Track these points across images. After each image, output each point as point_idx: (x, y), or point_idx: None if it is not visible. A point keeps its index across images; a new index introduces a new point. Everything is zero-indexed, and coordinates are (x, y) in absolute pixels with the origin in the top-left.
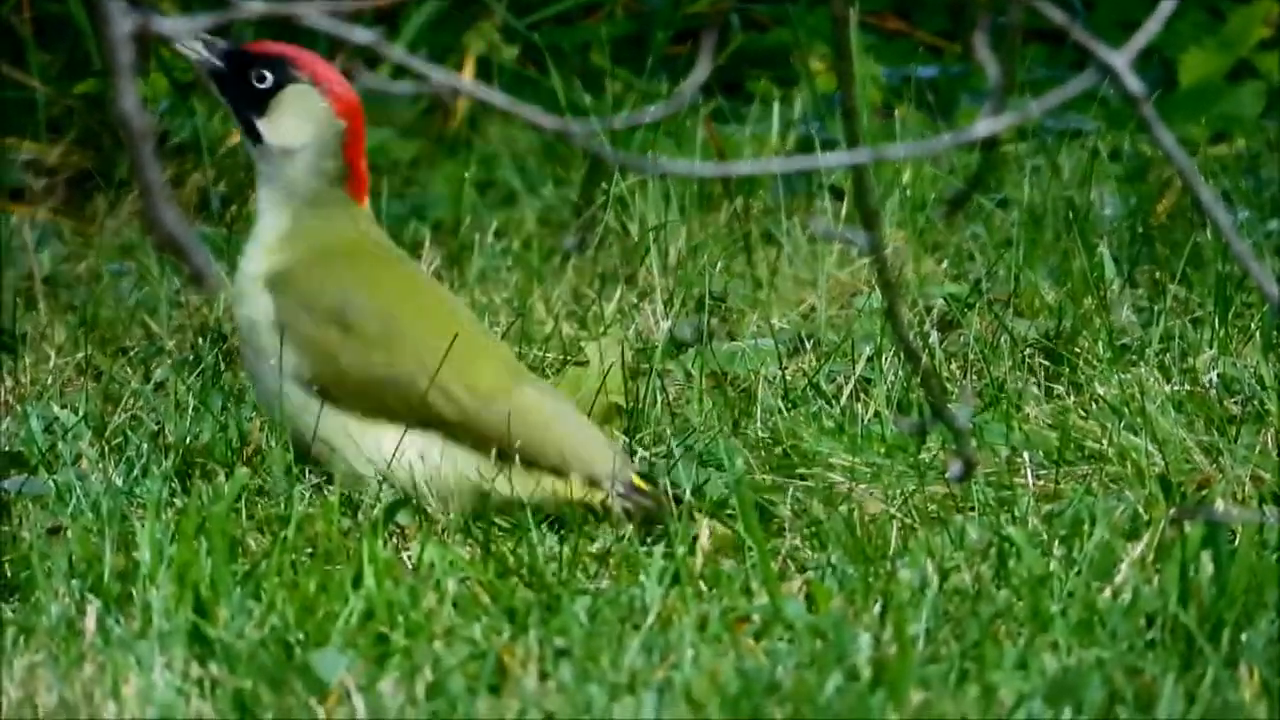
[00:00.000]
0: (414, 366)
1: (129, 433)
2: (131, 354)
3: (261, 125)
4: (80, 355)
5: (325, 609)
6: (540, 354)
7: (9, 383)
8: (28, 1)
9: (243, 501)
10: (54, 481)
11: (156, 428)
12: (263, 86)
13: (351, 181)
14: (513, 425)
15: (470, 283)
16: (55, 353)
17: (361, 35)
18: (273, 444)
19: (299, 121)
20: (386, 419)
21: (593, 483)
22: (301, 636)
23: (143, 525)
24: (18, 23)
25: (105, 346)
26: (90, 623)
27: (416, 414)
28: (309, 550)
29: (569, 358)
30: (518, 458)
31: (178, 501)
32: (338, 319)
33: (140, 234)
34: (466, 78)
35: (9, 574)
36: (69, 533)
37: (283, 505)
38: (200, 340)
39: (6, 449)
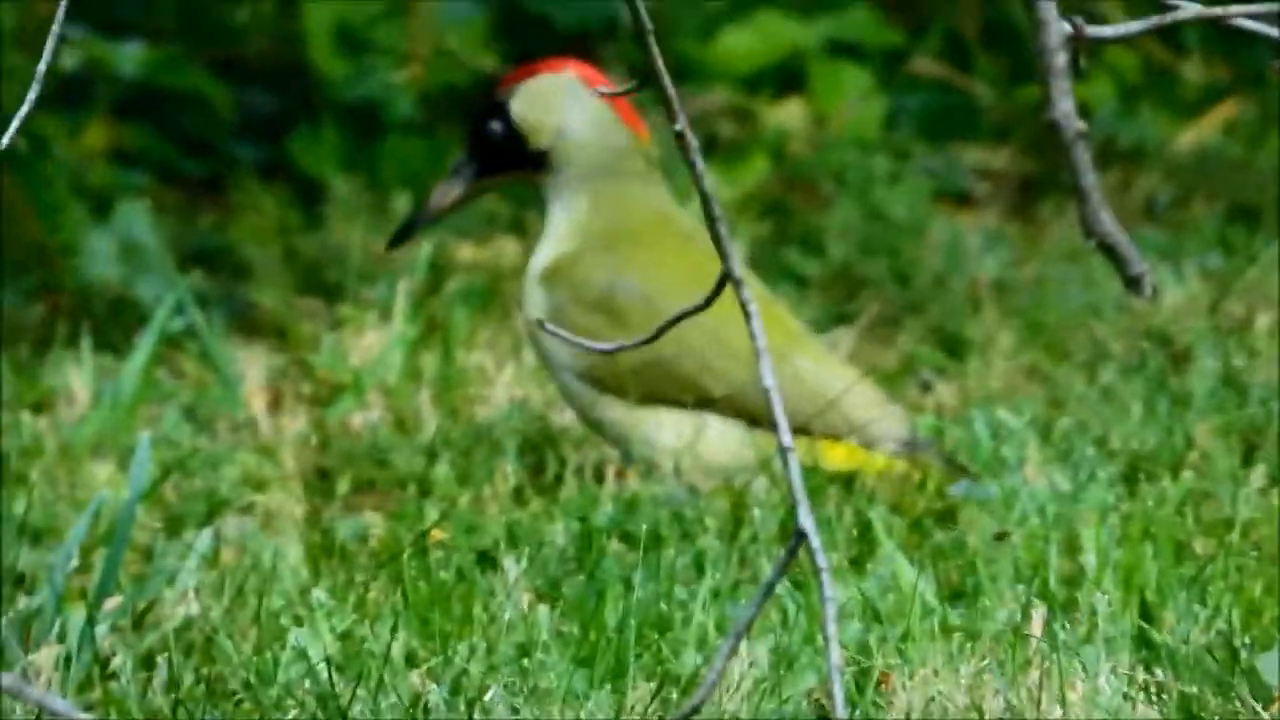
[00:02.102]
0: (675, 349)
1: (1074, 437)
2: (1076, 358)
3: (532, 149)
4: (1026, 359)
5: (1271, 612)
6: None
7: (952, 385)
8: (975, 7)
9: (1188, 505)
10: (1000, 486)
11: (1102, 432)
12: (499, 128)
13: (629, 125)
14: (785, 395)
15: None
16: (1001, 358)
17: None
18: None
19: (548, 111)
20: (662, 403)
21: (868, 444)
22: (1247, 640)
23: (1088, 530)
24: (965, 28)
25: (1051, 351)
26: (1036, 627)
27: (689, 394)
28: (1254, 552)
29: None
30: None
31: (1123, 506)
32: (605, 307)
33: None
34: None
35: (956, 580)
36: (1015, 538)
37: (1228, 508)
38: (1146, 344)
39: (948, 454)
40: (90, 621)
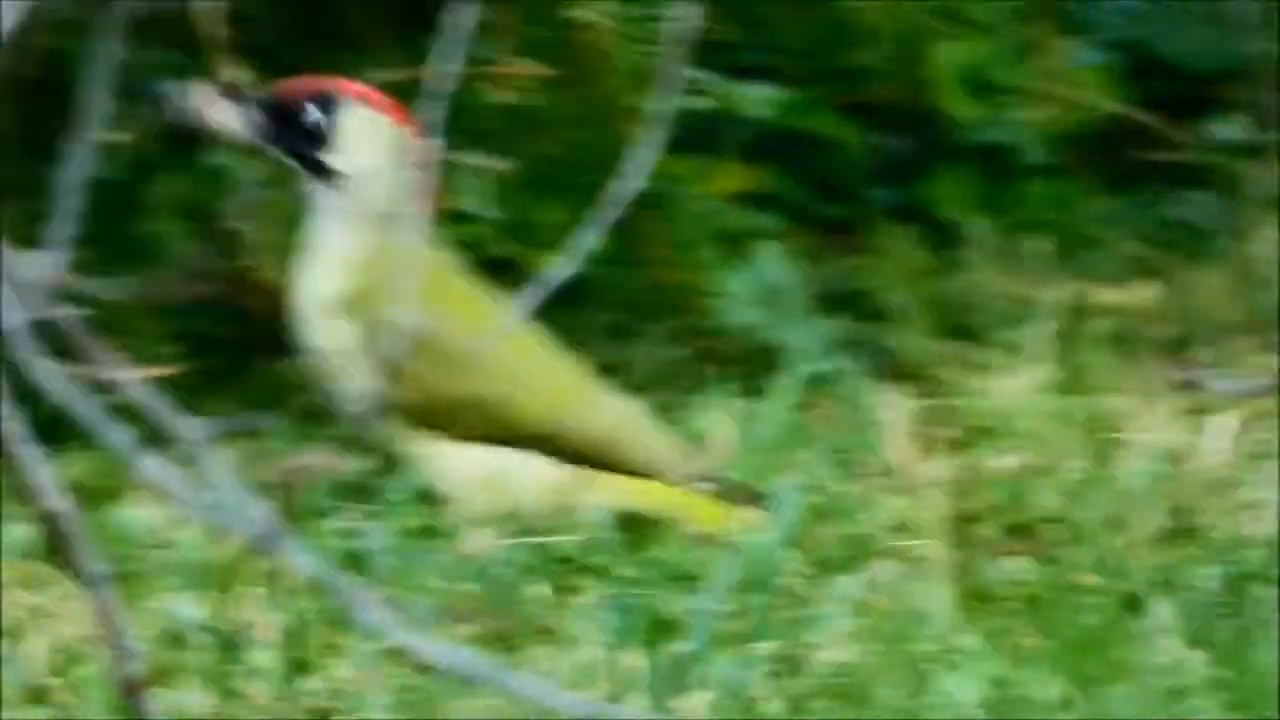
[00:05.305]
0: (501, 387)
1: None
2: None
3: (331, 158)
4: None
5: None
6: None
7: None
8: None
9: None
10: None
11: None
12: (317, 119)
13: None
14: (600, 433)
15: None
16: None
17: None
18: None
19: (367, 143)
20: (469, 439)
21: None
22: None
23: None
24: None
25: None
26: None
27: (505, 432)
28: None
29: None
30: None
31: None
32: (422, 343)
33: None
34: None
35: None
36: None
37: None
38: None
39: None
40: (741, 666)
